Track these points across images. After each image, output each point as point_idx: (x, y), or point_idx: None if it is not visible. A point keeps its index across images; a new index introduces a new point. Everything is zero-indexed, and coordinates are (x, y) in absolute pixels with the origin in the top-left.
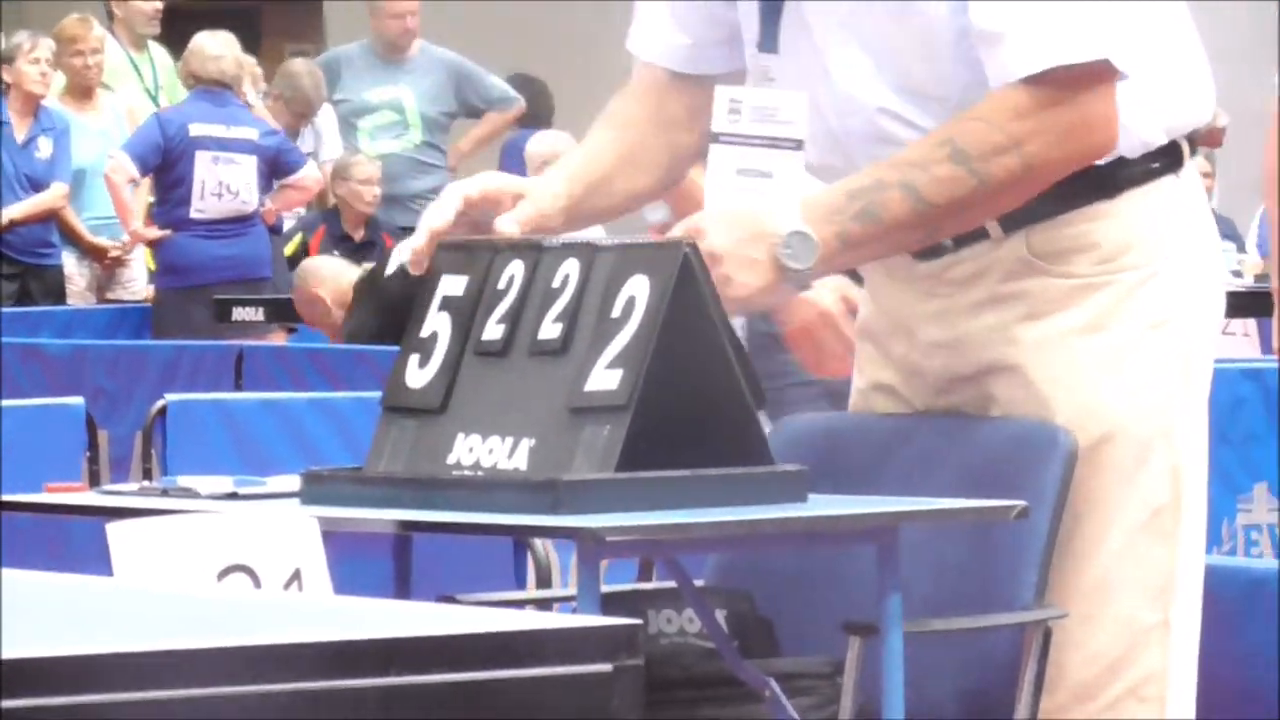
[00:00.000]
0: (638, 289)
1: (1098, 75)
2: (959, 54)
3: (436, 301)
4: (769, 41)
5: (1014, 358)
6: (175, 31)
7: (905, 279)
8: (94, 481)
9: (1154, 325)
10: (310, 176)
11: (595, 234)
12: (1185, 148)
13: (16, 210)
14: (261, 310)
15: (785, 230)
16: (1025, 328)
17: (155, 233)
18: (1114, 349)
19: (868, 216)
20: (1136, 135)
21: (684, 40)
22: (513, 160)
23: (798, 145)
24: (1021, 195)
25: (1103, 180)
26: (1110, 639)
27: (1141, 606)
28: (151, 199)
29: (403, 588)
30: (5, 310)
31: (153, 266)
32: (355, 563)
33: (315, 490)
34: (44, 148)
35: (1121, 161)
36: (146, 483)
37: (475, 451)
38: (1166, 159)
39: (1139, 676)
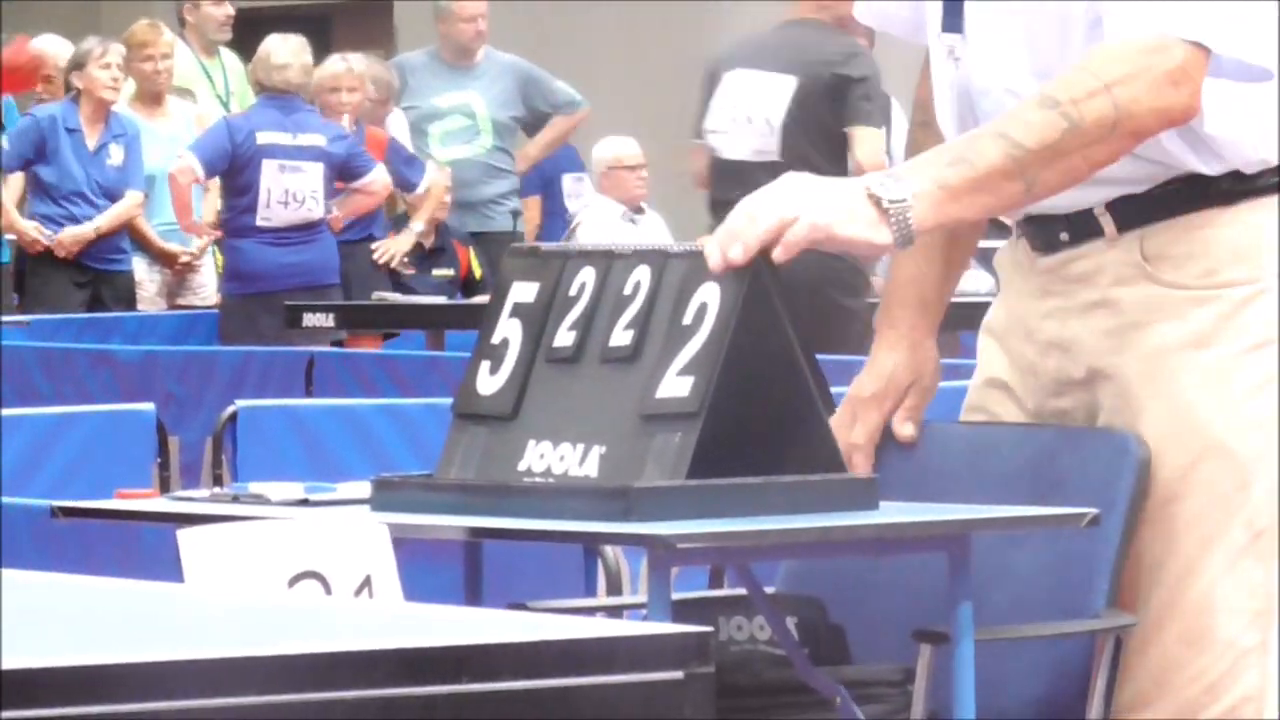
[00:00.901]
0: (709, 296)
1: (1194, 45)
2: (1092, 37)
3: (508, 308)
4: (954, 19)
5: (1119, 368)
6: (246, 37)
7: (1028, 275)
8: (165, 488)
9: (1257, 345)
10: (379, 181)
11: (665, 240)
12: None
13: (102, 220)
14: (332, 316)
15: (873, 175)
16: (1131, 337)
17: (209, 230)
18: (1216, 367)
19: (963, 163)
20: (1253, 151)
21: (906, 10)
22: (566, 160)
23: None
24: (1113, 147)
25: (1218, 189)
26: (1212, 660)
27: (1243, 628)
28: (220, 205)
29: (473, 595)
30: (77, 316)
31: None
32: (426, 569)
33: (386, 497)
34: (115, 154)
35: (1237, 175)
36: (217, 489)
37: (546, 458)
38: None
39: (1238, 698)
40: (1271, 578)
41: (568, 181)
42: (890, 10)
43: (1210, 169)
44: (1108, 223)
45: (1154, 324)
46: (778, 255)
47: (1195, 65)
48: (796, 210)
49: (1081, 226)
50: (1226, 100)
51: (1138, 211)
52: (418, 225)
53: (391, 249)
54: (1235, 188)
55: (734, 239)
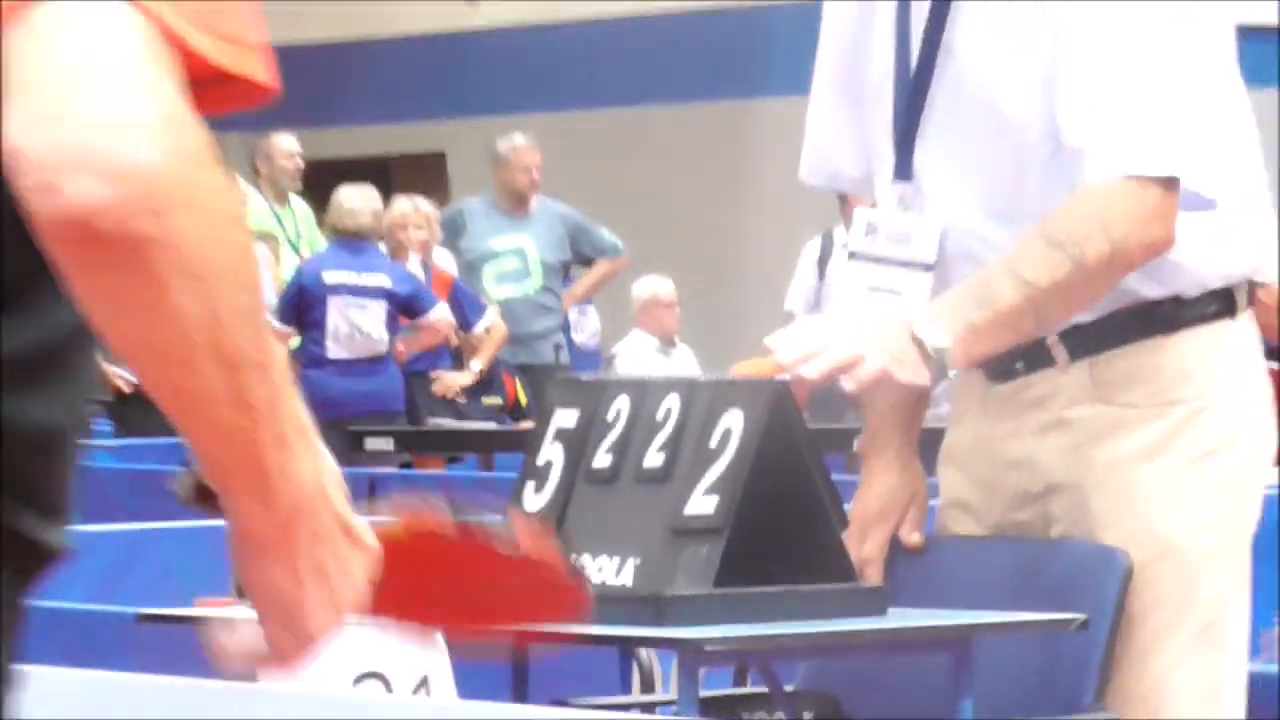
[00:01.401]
0: (733, 422)
1: (1168, 181)
2: (1048, 175)
3: (551, 432)
4: (904, 168)
5: (1076, 479)
6: (313, 184)
7: (985, 401)
8: (241, 596)
9: (1205, 454)
10: (443, 320)
11: (694, 371)
12: (1241, 296)
13: None
14: (391, 440)
15: (917, 320)
16: (1086, 452)
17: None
18: (1167, 475)
19: (986, 304)
20: (1195, 276)
21: (861, 167)
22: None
23: (928, 268)
24: (1110, 281)
25: (1161, 315)
26: None
27: (1195, 710)
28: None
29: (519, 692)
30: (163, 440)
31: None
32: (476, 669)
33: None
34: None
35: (1179, 301)
36: None
37: (587, 568)
38: (1221, 304)
39: None
40: (1221, 664)
41: (573, 314)
42: (838, 169)
43: (1154, 293)
44: (1060, 352)
45: (1107, 439)
46: (849, 387)
47: (1172, 200)
48: (864, 349)
49: (1035, 357)
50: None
51: (1087, 341)
52: (477, 364)
53: (450, 383)
54: (1176, 314)
55: (809, 358)
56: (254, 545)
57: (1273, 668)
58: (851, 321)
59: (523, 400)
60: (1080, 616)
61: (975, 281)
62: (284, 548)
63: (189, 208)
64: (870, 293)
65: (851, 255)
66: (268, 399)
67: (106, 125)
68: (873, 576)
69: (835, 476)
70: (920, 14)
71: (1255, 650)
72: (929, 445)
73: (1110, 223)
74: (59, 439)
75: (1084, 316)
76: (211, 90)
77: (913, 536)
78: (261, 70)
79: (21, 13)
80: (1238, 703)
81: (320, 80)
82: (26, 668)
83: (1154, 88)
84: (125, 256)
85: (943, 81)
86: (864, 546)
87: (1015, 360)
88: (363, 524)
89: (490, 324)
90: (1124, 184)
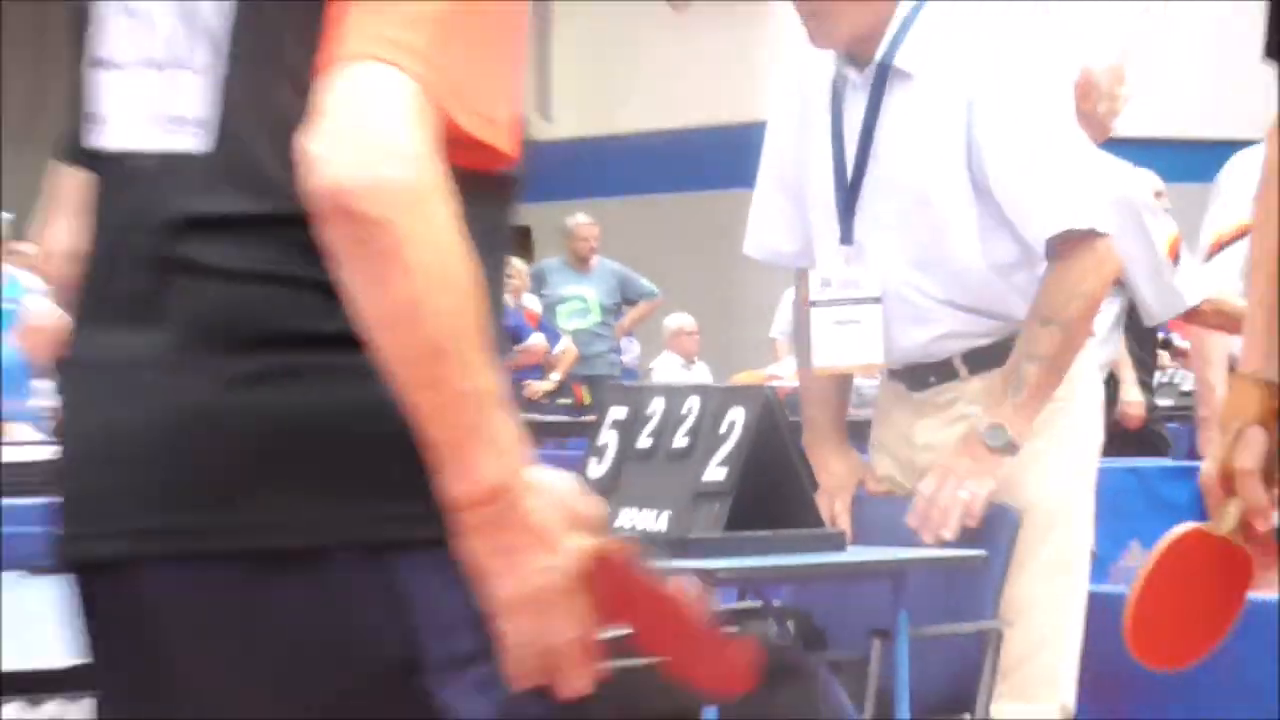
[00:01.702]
0: (737, 416)
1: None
2: (959, 233)
3: (607, 423)
4: (847, 236)
5: None
6: None
7: (904, 403)
8: None
9: (1061, 439)
10: (537, 345)
11: (708, 381)
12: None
13: None
14: None
15: (982, 432)
16: None
17: None
18: (1035, 454)
19: (1023, 387)
20: None
21: (796, 244)
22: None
23: (877, 300)
24: (1089, 325)
25: None
26: (1026, 631)
27: (1048, 616)
28: None
29: None
30: None
31: None
32: None
33: None
34: None
35: None
36: None
37: (632, 519)
38: None
39: (1052, 649)
40: (1068, 585)
41: (623, 341)
42: (778, 246)
43: None
44: (962, 368)
45: None
46: (968, 523)
47: (1105, 239)
48: (963, 490)
49: (944, 371)
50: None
51: (983, 360)
52: (555, 376)
53: (537, 389)
54: None
55: (936, 524)
56: (454, 513)
57: (1117, 589)
58: (938, 467)
59: (587, 400)
60: (982, 553)
61: (1006, 371)
62: (476, 522)
63: (418, 215)
64: (836, 326)
65: (813, 304)
66: (465, 392)
67: (374, 143)
68: (841, 525)
69: None
70: (852, 118)
71: (1105, 577)
72: (857, 434)
73: (1076, 284)
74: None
75: (981, 341)
76: (469, 150)
77: (880, 486)
78: (505, 141)
79: (338, 64)
80: (1079, 612)
81: None
82: None
83: (1065, 159)
84: (367, 232)
85: (874, 168)
86: (834, 506)
87: (929, 374)
88: (570, 534)
89: (564, 348)
90: (1073, 249)
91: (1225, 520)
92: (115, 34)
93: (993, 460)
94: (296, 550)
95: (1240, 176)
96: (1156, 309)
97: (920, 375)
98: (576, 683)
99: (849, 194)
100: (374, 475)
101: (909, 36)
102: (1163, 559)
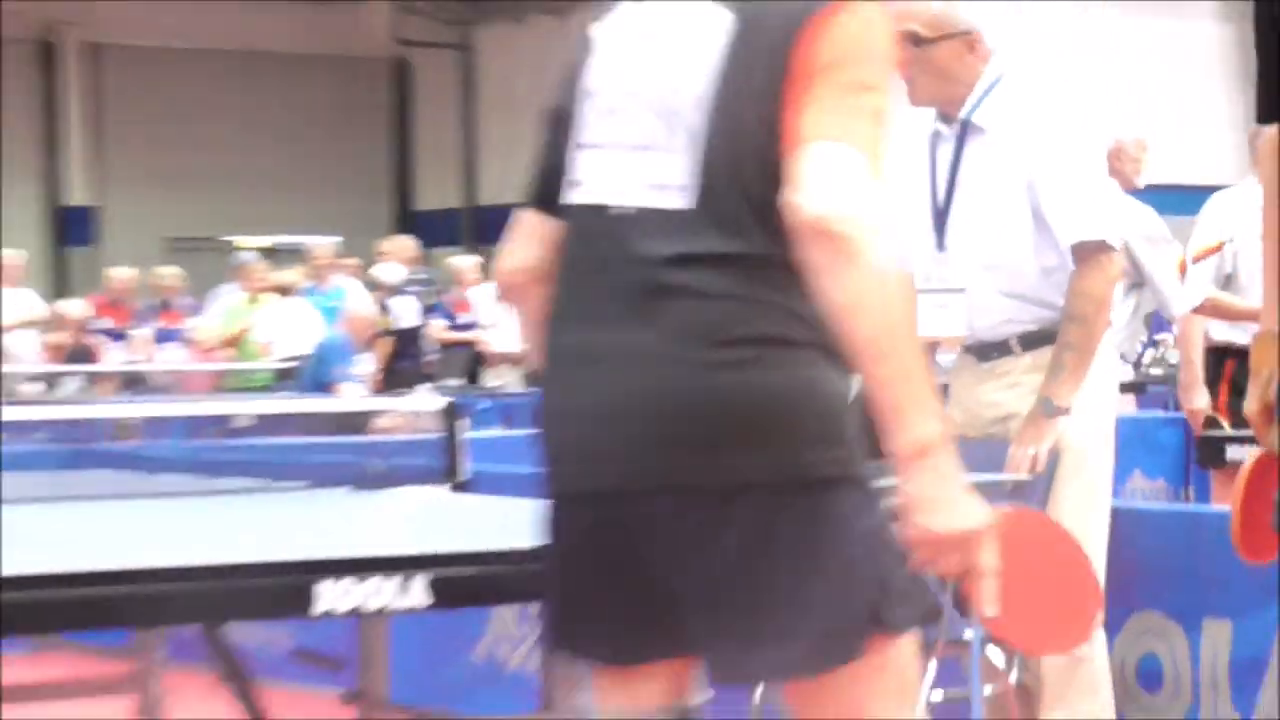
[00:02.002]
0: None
1: (1104, 242)
2: (1032, 243)
3: None
4: (940, 245)
5: (1022, 410)
6: None
7: (974, 371)
8: None
9: (1087, 395)
10: None
11: None
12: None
13: None
14: None
15: (1041, 406)
16: (1028, 398)
17: None
18: (1074, 408)
19: (1061, 370)
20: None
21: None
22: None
23: (961, 290)
24: (1108, 309)
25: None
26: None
27: (1078, 523)
28: None
29: None
30: None
31: None
32: None
33: None
34: None
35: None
36: None
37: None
38: None
39: (1082, 545)
40: (1092, 502)
41: None
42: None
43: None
44: (1017, 346)
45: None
46: (1037, 469)
47: (1110, 251)
48: (1039, 448)
49: (1003, 348)
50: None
51: (1032, 340)
52: None
53: None
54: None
55: (1021, 465)
56: (900, 461)
57: (1130, 504)
58: (1020, 432)
59: None
60: (1027, 477)
61: (1053, 356)
62: (917, 470)
63: (869, 235)
64: (932, 309)
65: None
66: (909, 366)
67: (841, 191)
68: None
69: None
70: (943, 159)
71: (1118, 496)
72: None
73: (1089, 287)
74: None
75: (1031, 326)
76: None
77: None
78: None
79: (808, 144)
80: (1104, 528)
81: None
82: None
83: (1091, 193)
84: (838, 246)
85: (958, 196)
86: None
87: (993, 351)
88: (973, 500)
89: None
90: (1089, 256)
91: (1273, 440)
92: (597, 126)
93: (1049, 425)
94: (758, 483)
95: (1211, 212)
96: (1174, 306)
97: (986, 350)
98: (984, 607)
99: (941, 215)
100: (809, 431)
101: (985, 101)
102: (1248, 482)
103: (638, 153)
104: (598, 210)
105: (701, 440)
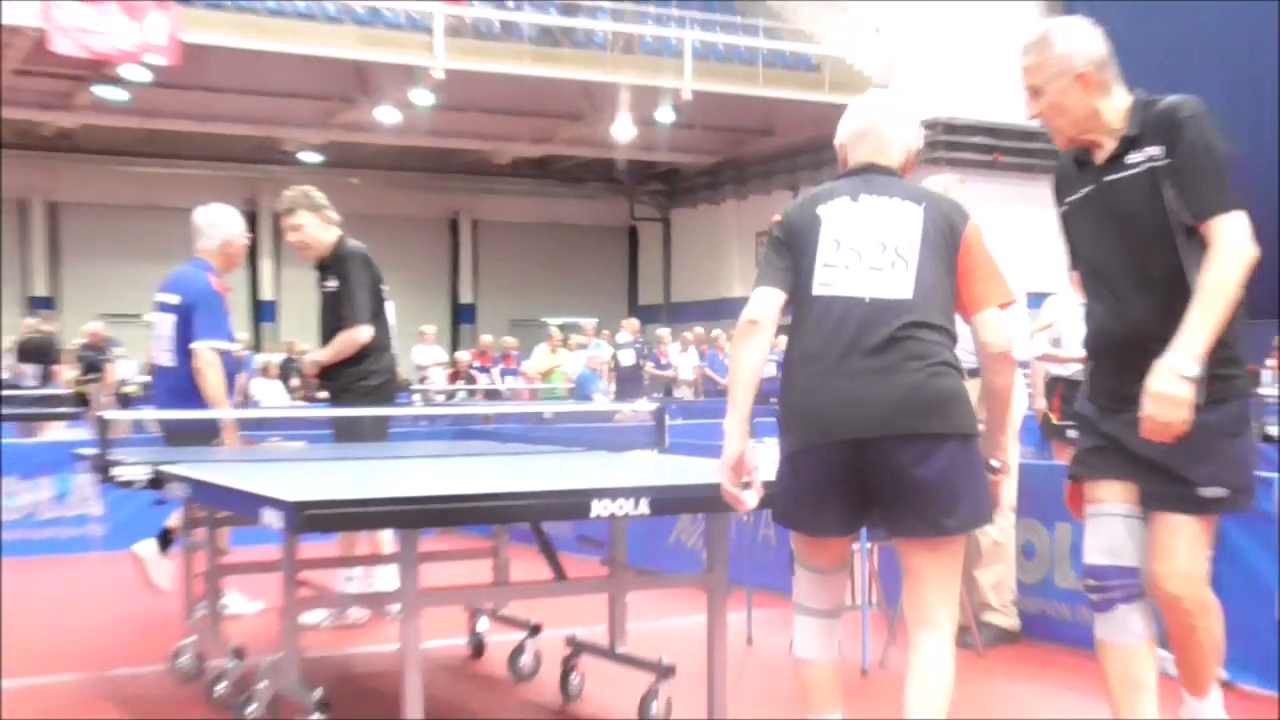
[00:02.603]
0: None
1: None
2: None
3: None
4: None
5: None
6: None
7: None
8: None
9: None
10: None
11: None
12: None
13: None
14: None
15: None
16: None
17: None
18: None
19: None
20: None
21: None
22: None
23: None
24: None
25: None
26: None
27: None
28: None
29: None
30: None
31: None
32: None
33: None
34: None
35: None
36: None
37: None
38: None
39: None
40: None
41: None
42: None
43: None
44: None
45: None
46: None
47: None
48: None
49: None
50: None
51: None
52: None
53: None
54: None
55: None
56: (997, 448)
57: (1038, 462)
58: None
59: None
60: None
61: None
62: (1004, 449)
63: (1014, 365)
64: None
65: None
66: (1001, 415)
67: (1012, 335)
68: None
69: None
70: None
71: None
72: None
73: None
74: None
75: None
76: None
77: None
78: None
79: (987, 305)
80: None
81: None
82: None
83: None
84: (1005, 354)
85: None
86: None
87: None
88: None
89: None
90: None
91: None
92: (832, 252)
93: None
94: (966, 435)
95: (1047, 307)
96: (1023, 354)
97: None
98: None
99: None
100: (968, 410)
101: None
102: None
103: (872, 270)
104: (842, 300)
105: (926, 411)
